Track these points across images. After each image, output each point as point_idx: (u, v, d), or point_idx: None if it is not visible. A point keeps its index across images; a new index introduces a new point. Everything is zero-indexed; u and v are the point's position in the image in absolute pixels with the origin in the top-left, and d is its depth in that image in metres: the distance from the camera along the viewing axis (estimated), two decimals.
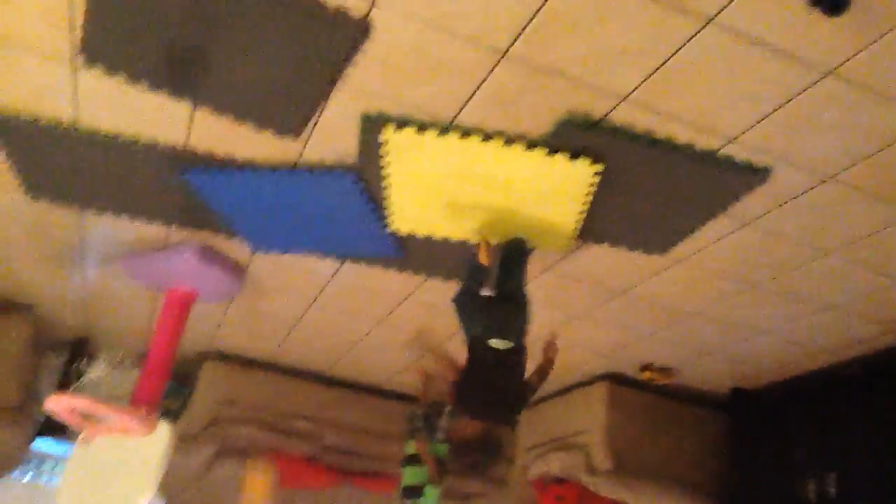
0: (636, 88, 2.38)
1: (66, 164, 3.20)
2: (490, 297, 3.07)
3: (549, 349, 3.20)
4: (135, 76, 2.60)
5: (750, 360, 4.34)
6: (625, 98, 2.43)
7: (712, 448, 4.84)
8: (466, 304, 3.12)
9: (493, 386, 2.86)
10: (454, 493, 5.29)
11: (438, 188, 2.95)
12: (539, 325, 4.22)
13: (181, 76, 2.58)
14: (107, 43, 2.45)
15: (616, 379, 4.81)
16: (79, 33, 2.44)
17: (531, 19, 2.16)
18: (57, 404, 3.65)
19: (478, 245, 3.17)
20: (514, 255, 3.11)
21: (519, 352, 2.91)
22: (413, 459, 4.64)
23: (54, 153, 3.12)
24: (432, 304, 4.14)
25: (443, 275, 3.77)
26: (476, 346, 2.91)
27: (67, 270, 4.29)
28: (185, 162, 3.05)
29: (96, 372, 4.12)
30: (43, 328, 5.18)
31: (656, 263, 3.42)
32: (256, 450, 5.15)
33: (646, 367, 4.56)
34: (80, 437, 4.03)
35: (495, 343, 2.86)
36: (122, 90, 2.69)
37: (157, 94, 2.68)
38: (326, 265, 3.83)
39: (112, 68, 2.57)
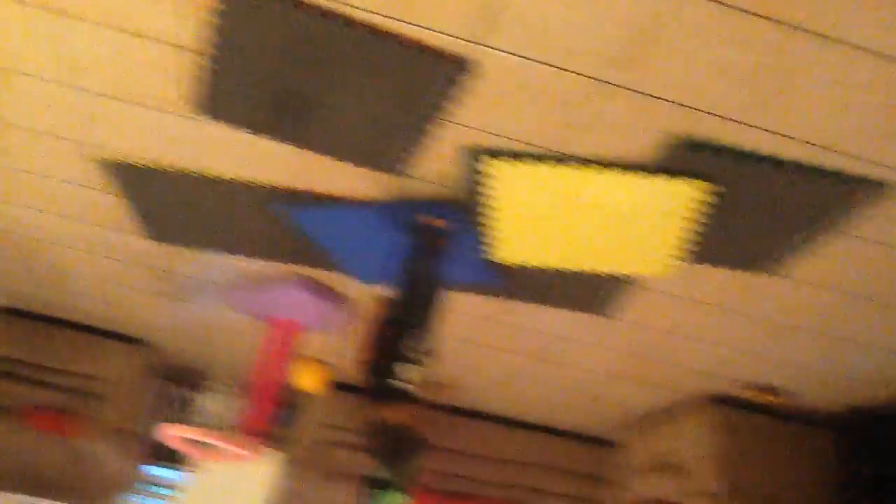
0: (737, 106, 2.33)
1: (175, 207, 3.36)
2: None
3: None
4: (236, 122, 2.72)
5: (870, 378, 4.14)
6: (725, 116, 2.38)
7: (826, 470, 4.64)
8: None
9: None
10: None
11: (537, 217, 2.95)
12: (638, 345, 4.21)
13: (282, 122, 2.67)
14: (213, 94, 2.56)
15: (720, 399, 4.68)
16: (186, 85, 2.55)
17: (627, 43, 2.14)
18: (167, 432, 3.80)
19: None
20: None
21: None
22: None
23: (166, 197, 3.28)
24: (519, 325, 4.15)
25: (538, 300, 3.76)
26: None
27: (176, 304, 4.47)
28: (286, 199, 3.15)
29: (205, 400, 4.26)
30: (154, 357, 5.43)
31: (761, 281, 3.33)
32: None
33: (750, 386, 4.42)
34: (190, 463, 4.18)
35: None
36: (224, 135, 2.81)
37: (258, 138, 2.79)
38: None
39: (215, 116, 2.70)
